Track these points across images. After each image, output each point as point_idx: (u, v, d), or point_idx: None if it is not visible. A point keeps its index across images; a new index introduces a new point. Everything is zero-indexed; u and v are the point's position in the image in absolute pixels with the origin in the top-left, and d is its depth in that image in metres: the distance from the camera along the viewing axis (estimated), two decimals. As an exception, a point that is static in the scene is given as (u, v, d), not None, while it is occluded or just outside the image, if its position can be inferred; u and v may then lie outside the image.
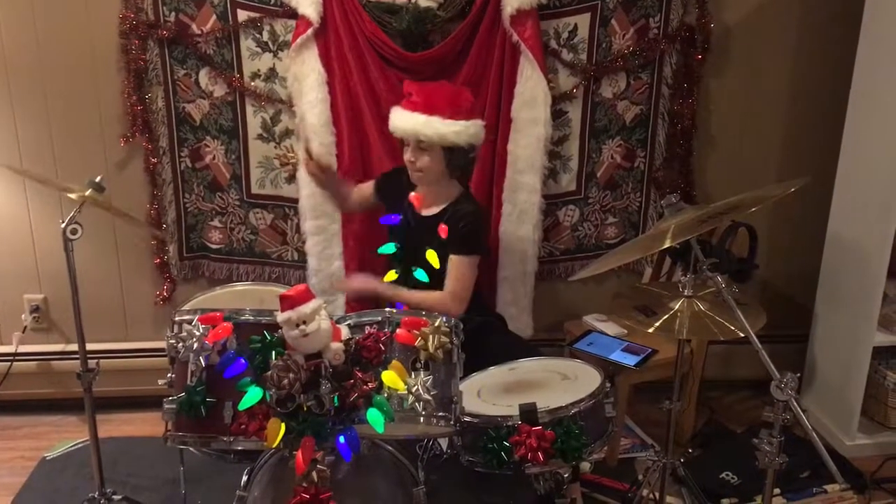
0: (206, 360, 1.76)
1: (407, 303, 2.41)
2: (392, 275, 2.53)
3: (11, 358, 3.14)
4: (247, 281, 3.12)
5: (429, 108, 2.41)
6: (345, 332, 1.80)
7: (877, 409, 3.04)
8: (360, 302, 2.75)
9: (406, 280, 2.53)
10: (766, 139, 3.18)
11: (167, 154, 3.01)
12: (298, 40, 2.78)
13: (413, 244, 2.54)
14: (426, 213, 2.57)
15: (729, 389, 3.39)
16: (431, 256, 2.47)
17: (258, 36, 2.88)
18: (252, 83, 2.93)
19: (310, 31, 2.77)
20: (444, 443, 2.57)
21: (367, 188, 2.75)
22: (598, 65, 2.98)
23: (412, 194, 2.54)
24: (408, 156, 2.48)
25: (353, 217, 2.95)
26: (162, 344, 1.88)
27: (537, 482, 2.02)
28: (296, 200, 3.00)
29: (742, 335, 1.81)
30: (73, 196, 2.20)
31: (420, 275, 2.50)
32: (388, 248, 2.54)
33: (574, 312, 3.17)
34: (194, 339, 1.76)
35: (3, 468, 2.89)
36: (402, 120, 2.45)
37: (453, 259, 2.46)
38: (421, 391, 1.77)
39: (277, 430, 1.70)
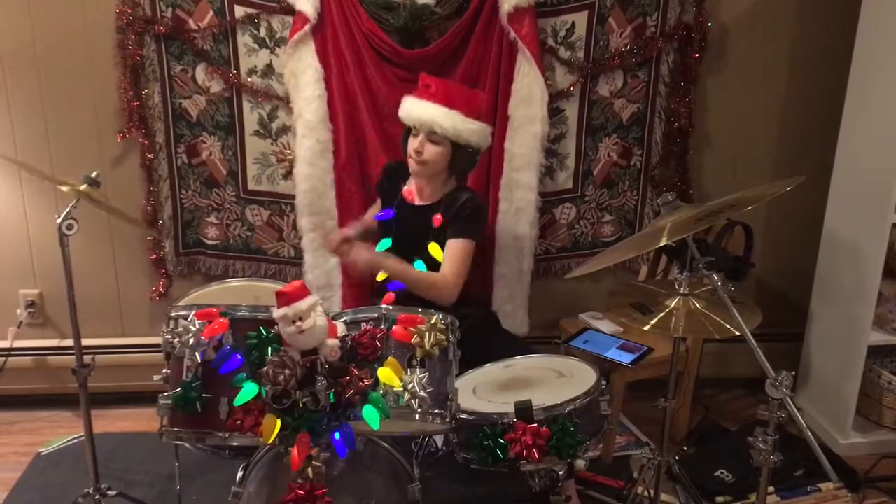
0: (201, 355, 1.76)
1: (405, 277, 2.39)
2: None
3: (7, 353, 3.14)
4: (243, 277, 3.12)
5: (448, 101, 2.40)
6: (341, 328, 1.80)
7: (871, 407, 3.05)
8: (357, 276, 2.68)
9: None
10: (762, 138, 3.19)
11: (163, 150, 3.01)
12: (295, 36, 2.78)
13: (407, 236, 2.52)
14: (419, 203, 2.56)
15: (724, 387, 3.40)
16: (435, 250, 2.46)
17: (255, 32, 2.88)
18: (249, 79, 2.93)
19: (307, 27, 2.77)
20: (439, 440, 2.58)
21: (375, 207, 2.73)
22: (595, 63, 2.98)
23: (405, 188, 2.53)
24: (415, 145, 2.45)
25: (350, 214, 2.94)
26: (157, 340, 1.89)
27: (532, 479, 2.02)
28: (292, 197, 2.99)
29: (737, 333, 1.81)
30: (63, 189, 2.20)
31: (419, 265, 2.47)
32: (384, 244, 2.52)
33: (570, 310, 3.17)
34: (190, 335, 1.76)
35: (-2, 463, 2.89)
36: (420, 108, 2.42)
37: (450, 243, 2.45)
38: (417, 388, 1.77)
39: (273, 427, 1.70)
